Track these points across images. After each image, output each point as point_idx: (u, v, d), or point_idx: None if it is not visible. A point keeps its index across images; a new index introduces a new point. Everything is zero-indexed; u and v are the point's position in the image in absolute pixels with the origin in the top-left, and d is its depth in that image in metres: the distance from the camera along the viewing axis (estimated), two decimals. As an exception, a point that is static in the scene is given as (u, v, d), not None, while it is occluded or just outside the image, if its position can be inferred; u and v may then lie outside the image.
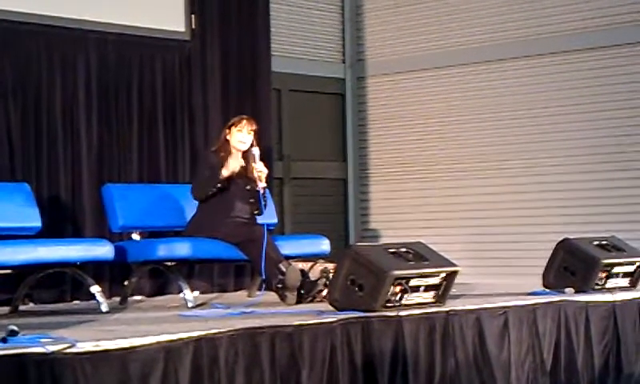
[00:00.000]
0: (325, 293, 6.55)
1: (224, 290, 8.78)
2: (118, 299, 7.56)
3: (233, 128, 7.34)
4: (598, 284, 7.29)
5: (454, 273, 6.14)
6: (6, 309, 6.93)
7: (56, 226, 7.77)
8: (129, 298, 7.58)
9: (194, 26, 9.06)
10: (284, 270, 6.86)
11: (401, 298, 5.89)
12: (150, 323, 5.67)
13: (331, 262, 6.87)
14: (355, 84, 11.08)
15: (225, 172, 7.17)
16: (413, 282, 5.93)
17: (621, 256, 7.51)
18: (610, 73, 9.50)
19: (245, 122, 7.34)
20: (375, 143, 10.99)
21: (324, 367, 5.19)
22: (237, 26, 9.41)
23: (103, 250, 6.69)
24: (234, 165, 7.21)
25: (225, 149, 7.33)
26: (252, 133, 7.33)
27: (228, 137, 7.34)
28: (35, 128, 8.00)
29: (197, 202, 7.36)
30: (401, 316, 5.62)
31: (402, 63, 10.76)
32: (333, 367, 5.23)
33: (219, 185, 7.17)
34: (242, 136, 7.31)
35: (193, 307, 6.88)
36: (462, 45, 10.36)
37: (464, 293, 7.07)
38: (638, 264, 7.59)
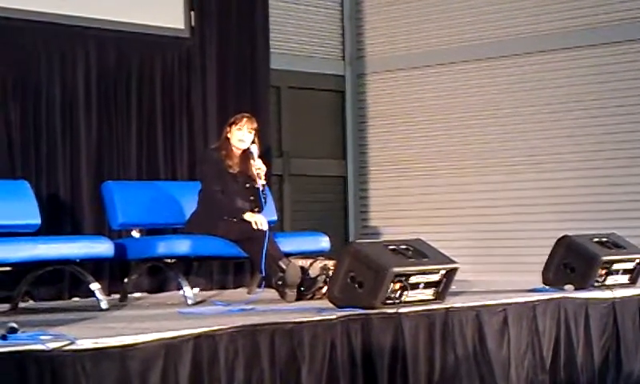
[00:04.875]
0: (324, 290, 6.56)
1: (223, 287, 8.78)
2: (117, 296, 7.56)
3: (233, 126, 7.34)
4: (597, 281, 7.28)
5: (454, 270, 6.13)
6: (5, 306, 6.92)
7: (55, 224, 7.77)
8: (128, 296, 7.59)
9: (192, 24, 9.06)
10: (284, 267, 6.86)
11: (400, 295, 5.89)
12: (150, 320, 5.67)
13: (331, 259, 6.87)
14: (355, 81, 11.08)
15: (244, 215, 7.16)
16: (412, 279, 5.93)
17: (620, 253, 7.50)
18: (613, 69, 9.49)
19: (245, 120, 7.34)
20: (375, 140, 10.99)
21: (324, 364, 5.19)
22: (236, 23, 9.41)
23: (103, 248, 6.69)
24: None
25: (225, 147, 7.34)
26: (252, 131, 7.34)
27: (228, 135, 7.35)
28: (34, 125, 8.00)
29: (196, 199, 7.38)
30: (400, 313, 5.62)
31: (402, 60, 10.75)
32: (332, 364, 5.23)
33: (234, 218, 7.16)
34: (242, 134, 7.32)
35: (192, 304, 6.88)
36: (463, 42, 10.36)
37: (464, 290, 7.07)
38: (637, 261, 7.58)
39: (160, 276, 8.34)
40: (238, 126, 7.33)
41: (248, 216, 7.13)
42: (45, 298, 7.72)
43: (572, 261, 7.30)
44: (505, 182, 10.05)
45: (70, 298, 7.90)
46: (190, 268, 8.34)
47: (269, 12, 9.77)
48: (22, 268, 6.72)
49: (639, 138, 9.33)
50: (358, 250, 5.96)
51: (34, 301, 7.63)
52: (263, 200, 7.31)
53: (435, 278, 6.08)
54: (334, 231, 9.72)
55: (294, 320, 5.20)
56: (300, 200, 10.48)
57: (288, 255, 7.09)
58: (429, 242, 6.33)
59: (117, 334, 4.57)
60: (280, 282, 6.87)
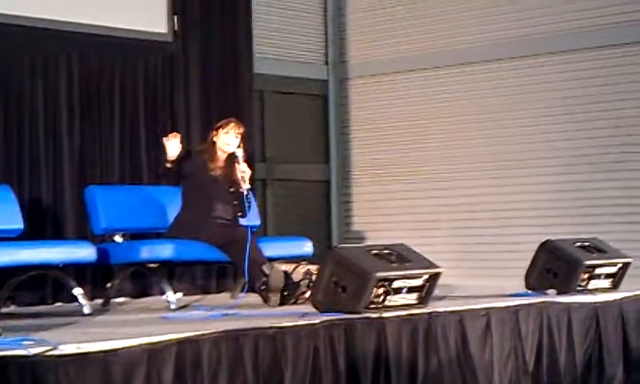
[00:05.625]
0: (308, 294, 6.56)
1: (207, 292, 8.77)
2: (100, 301, 7.54)
3: (220, 130, 7.35)
4: (580, 285, 7.31)
5: (437, 274, 6.15)
6: (-13, 311, 6.90)
7: (38, 228, 7.75)
8: (111, 300, 7.56)
9: (176, 28, 9.05)
10: (267, 271, 6.86)
11: (384, 300, 5.90)
12: (133, 325, 5.67)
13: (314, 263, 6.87)
14: (338, 86, 11.09)
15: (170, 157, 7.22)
16: (396, 284, 5.94)
17: (603, 257, 7.53)
18: (596, 74, 9.51)
19: (232, 124, 7.35)
20: (358, 145, 11.00)
21: (307, 369, 5.19)
22: (219, 28, 9.41)
23: (85, 252, 6.67)
24: (174, 151, 7.21)
25: (210, 150, 7.35)
26: (239, 136, 7.34)
27: (215, 138, 7.35)
28: (17, 130, 7.98)
29: (180, 203, 7.38)
30: (384, 317, 5.63)
31: (385, 65, 10.77)
32: (316, 369, 5.23)
33: (168, 164, 7.22)
34: (228, 138, 7.32)
35: (175, 309, 6.87)
36: (445, 47, 10.37)
37: (447, 294, 7.08)
38: (619, 265, 7.61)
39: (143, 281, 8.32)
40: (225, 130, 7.34)
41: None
42: (27, 302, 7.70)
43: (554, 265, 7.32)
44: (488, 187, 10.06)
45: (52, 302, 7.88)
46: (173, 273, 8.32)
47: (252, 16, 9.77)
48: (5, 273, 6.69)
49: (621, 143, 9.36)
50: (341, 254, 5.97)
51: (17, 306, 7.61)
52: (247, 205, 7.30)
53: (418, 282, 6.09)
54: (318, 236, 9.71)
55: (277, 325, 5.21)
56: (283, 205, 10.48)
57: (271, 260, 7.09)
58: (412, 247, 6.34)
59: (100, 339, 4.56)
60: (263, 287, 6.87)
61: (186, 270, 8.61)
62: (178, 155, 7.21)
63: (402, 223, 10.39)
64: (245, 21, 9.67)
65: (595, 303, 6.94)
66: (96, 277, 8.01)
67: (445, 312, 5.99)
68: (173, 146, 7.19)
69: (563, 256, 7.32)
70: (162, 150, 7.36)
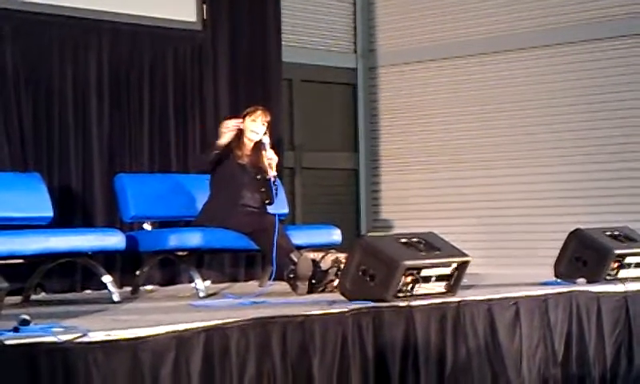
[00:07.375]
0: (336, 283, 6.55)
1: (235, 280, 8.79)
2: (129, 289, 7.57)
3: (247, 118, 7.36)
4: (609, 274, 7.26)
5: (466, 263, 6.13)
6: (17, 298, 6.93)
7: (67, 216, 7.79)
8: (140, 288, 7.59)
9: (205, 17, 9.06)
10: (295, 259, 6.87)
11: (412, 288, 5.89)
12: (162, 313, 5.69)
13: (342, 251, 6.87)
14: (367, 74, 11.07)
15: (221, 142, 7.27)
16: (424, 272, 5.93)
17: (633, 246, 7.48)
18: (618, 64, 9.47)
19: (259, 112, 7.36)
20: (387, 133, 10.98)
21: (335, 357, 5.19)
22: (248, 17, 9.42)
23: (115, 240, 6.70)
24: (228, 137, 7.24)
25: (237, 138, 7.35)
26: (266, 124, 7.35)
27: (241, 126, 7.36)
28: (47, 118, 8.01)
29: (208, 192, 7.39)
30: (412, 306, 5.61)
31: (414, 53, 10.74)
32: (344, 357, 5.22)
33: (217, 151, 7.25)
34: (255, 126, 7.33)
35: (204, 297, 6.89)
36: (475, 35, 10.34)
37: (475, 283, 7.06)
38: (650, 254, 7.57)
39: (172, 268, 8.35)
40: (252, 118, 7.36)
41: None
42: (57, 290, 7.74)
43: (584, 254, 7.28)
44: (517, 175, 10.03)
45: (82, 290, 7.92)
46: (202, 260, 8.35)
47: (281, 5, 9.76)
48: (35, 260, 6.74)
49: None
50: (370, 243, 5.96)
51: (46, 293, 7.66)
52: (274, 192, 7.31)
53: (447, 271, 6.08)
54: (346, 224, 9.71)
55: (305, 313, 5.20)
56: (312, 193, 10.48)
57: (299, 248, 7.10)
58: (440, 235, 6.32)
59: (129, 327, 4.58)
60: (291, 275, 6.87)
61: (214, 258, 8.63)
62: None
63: (431, 212, 10.38)
64: (273, 9, 9.66)
65: (625, 292, 6.90)
66: (125, 264, 8.04)
67: (473, 301, 5.97)
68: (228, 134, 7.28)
69: (593, 245, 7.28)
70: (217, 133, 7.42)
